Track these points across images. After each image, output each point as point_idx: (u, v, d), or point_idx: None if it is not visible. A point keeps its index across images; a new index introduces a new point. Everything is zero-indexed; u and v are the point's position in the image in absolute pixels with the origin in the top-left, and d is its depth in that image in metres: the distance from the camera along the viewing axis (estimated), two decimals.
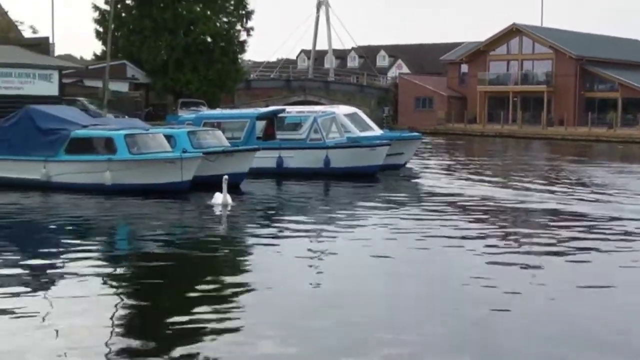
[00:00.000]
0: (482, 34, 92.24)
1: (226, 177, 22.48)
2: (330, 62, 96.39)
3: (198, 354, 9.99)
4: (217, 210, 21.78)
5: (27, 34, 60.99)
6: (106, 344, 10.21)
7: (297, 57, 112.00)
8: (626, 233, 19.16)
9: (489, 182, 30.67)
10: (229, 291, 13.40)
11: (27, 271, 14.59)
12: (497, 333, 11.12)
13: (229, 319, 11.46)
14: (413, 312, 12.14)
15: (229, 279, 14.54)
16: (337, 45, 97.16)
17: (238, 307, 12.36)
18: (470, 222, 20.96)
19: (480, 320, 11.65)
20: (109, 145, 25.44)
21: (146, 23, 62.47)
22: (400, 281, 14.17)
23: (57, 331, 10.78)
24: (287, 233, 18.80)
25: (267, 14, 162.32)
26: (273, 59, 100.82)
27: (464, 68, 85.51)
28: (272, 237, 18.35)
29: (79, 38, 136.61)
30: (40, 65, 31.42)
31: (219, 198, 22.22)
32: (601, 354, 10.45)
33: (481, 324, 11.51)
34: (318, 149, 31.51)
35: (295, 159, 31.36)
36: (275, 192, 28.59)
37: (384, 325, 11.39)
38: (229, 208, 21.84)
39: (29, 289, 13.21)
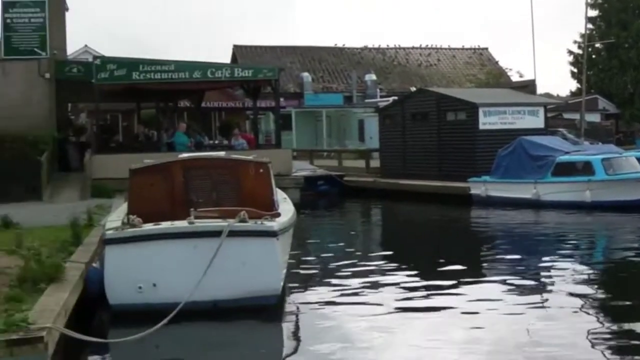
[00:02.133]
0: None
1: None
2: None
3: None
4: None
5: (514, 78, 60.77)
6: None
7: None
8: None
9: None
10: None
11: (518, 270, 13.39)
12: None
13: None
14: None
15: None
16: None
17: None
18: None
19: None
20: (587, 168, 23.87)
21: (614, 62, 59.04)
22: None
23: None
24: None
25: None
26: None
27: None
28: None
29: (554, 78, 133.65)
30: (528, 103, 30.96)
31: None
32: None
33: None
34: None
35: None
36: None
37: None
38: None
39: (519, 289, 11.89)
